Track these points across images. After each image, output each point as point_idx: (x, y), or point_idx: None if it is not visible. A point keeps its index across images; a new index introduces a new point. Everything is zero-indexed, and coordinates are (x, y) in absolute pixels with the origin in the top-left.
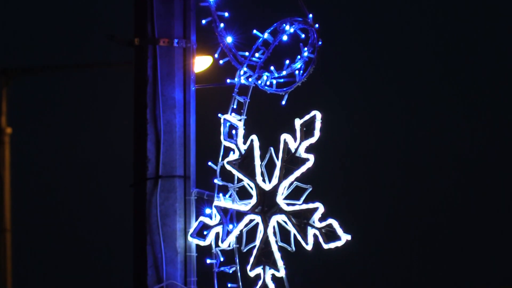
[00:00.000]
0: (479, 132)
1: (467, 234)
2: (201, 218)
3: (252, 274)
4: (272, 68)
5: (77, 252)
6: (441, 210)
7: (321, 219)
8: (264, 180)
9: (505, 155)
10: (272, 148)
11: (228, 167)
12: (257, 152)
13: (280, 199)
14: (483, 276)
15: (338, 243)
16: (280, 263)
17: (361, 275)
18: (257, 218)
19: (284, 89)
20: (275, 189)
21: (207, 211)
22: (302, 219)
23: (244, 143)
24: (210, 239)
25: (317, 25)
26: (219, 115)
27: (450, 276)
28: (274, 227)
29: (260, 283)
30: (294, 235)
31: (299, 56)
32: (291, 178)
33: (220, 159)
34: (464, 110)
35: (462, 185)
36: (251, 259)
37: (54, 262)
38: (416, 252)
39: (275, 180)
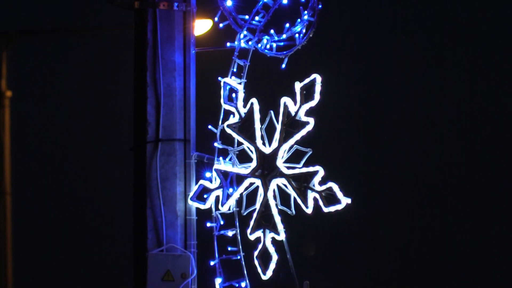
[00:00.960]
0: (480, 88)
1: (468, 196)
2: (201, 182)
3: (252, 237)
4: (272, 31)
5: (77, 217)
6: (442, 172)
7: (321, 183)
8: (264, 144)
9: None
10: (272, 112)
11: (228, 131)
12: (257, 116)
13: (280, 163)
14: (485, 243)
15: (338, 207)
16: (280, 226)
17: (361, 238)
18: (257, 182)
19: (284, 52)
20: (275, 152)
21: (207, 174)
22: (302, 183)
23: (244, 106)
24: (210, 202)
25: None
26: (219, 78)
27: (451, 238)
28: (274, 190)
29: (260, 246)
30: (294, 198)
31: (299, 20)
32: (291, 141)
33: (220, 122)
34: (465, 68)
35: (464, 145)
36: (251, 223)
37: (54, 224)
38: (417, 215)
39: (275, 144)
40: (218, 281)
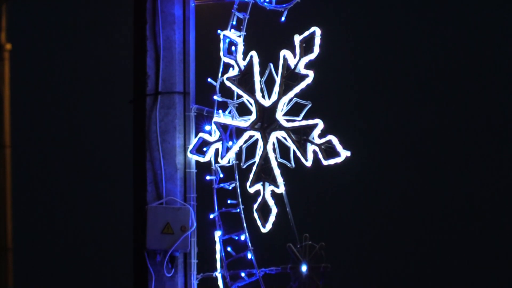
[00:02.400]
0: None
1: (473, 144)
2: (201, 134)
3: (251, 190)
4: None
5: (76, 168)
6: (444, 125)
7: (321, 136)
8: (263, 96)
9: None
10: (271, 65)
11: (228, 83)
12: (256, 68)
13: (279, 115)
14: (486, 209)
15: (338, 159)
16: (279, 179)
17: (361, 191)
18: (257, 134)
19: (284, 5)
20: (274, 105)
21: (207, 127)
22: (301, 135)
23: (244, 59)
24: (209, 155)
25: None
26: (219, 31)
27: (450, 194)
28: (273, 143)
29: (259, 199)
30: (294, 151)
31: None
32: (291, 94)
33: (219, 75)
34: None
35: (464, 99)
36: (251, 176)
37: (54, 177)
38: (417, 167)
39: (274, 96)
40: (217, 234)
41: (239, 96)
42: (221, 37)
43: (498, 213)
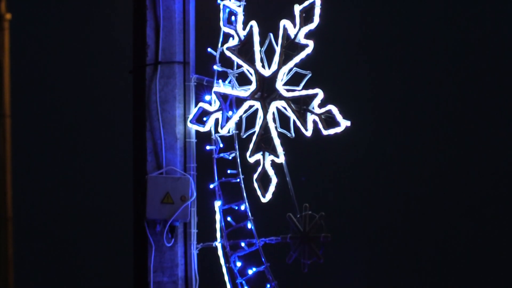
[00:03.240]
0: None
1: (476, 114)
2: (201, 104)
3: (251, 160)
4: None
5: (76, 138)
6: (445, 93)
7: (321, 105)
8: (263, 66)
9: None
10: (271, 34)
11: (228, 53)
12: (256, 38)
13: (279, 85)
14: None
15: (338, 129)
16: (279, 149)
17: (361, 161)
18: (257, 104)
19: None
20: (274, 75)
21: (207, 97)
22: (301, 105)
23: (244, 29)
24: (209, 125)
25: None
26: (219, 1)
27: (452, 157)
28: (273, 113)
29: (259, 169)
30: (294, 121)
31: None
32: (291, 64)
33: (219, 45)
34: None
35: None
36: (251, 145)
37: (53, 146)
38: (417, 136)
39: (274, 66)
40: (217, 203)
41: (239, 66)
42: (221, 7)
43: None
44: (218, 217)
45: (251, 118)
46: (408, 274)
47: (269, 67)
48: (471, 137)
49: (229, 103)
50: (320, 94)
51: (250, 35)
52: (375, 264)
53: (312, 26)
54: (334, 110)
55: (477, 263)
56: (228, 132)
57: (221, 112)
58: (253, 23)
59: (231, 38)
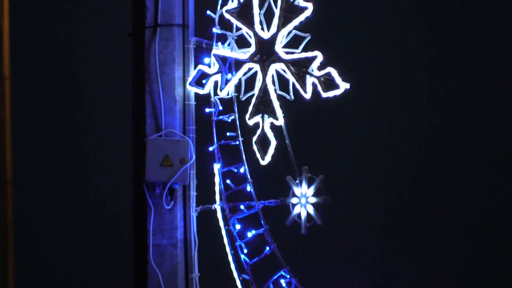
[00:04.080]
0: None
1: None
2: (200, 67)
3: (250, 122)
4: None
5: (75, 100)
6: (446, 49)
7: (320, 68)
8: (262, 29)
9: None
10: None
11: (227, 16)
12: (255, 1)
13: (278, 48)
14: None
15: (337, 92)
16: (279, 111)
17: (360, 123)
18: (256, 67)
19: None
20: (273, 37)
21: (206, 59)
22: (300, 68)
23: None
24: (208, 87)
25: None
26: None
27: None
28: (272, 75)
29: (259, 131)
30: (293, 83)
31: None
32: (290, 26)
33: (218, 7)
34: None
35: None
36: (250, 108)
37: (53, 108)
38: (417, 98)
39: (273, 29)
40: (216, 166)
41: (238, 29)
42: None
43: None
44: (217, 179)
45: (250, 81)
46: (410, 237)
47: (268, 29)
48: (475, 98)
49: (228, 65)
50: (319, 57)
51: None
52: (374, 226)
53: None
54: (333, 72)
55: (478, 262)
56: (227, 94)
57: (220, 74)
58: None
59: (230, 1)
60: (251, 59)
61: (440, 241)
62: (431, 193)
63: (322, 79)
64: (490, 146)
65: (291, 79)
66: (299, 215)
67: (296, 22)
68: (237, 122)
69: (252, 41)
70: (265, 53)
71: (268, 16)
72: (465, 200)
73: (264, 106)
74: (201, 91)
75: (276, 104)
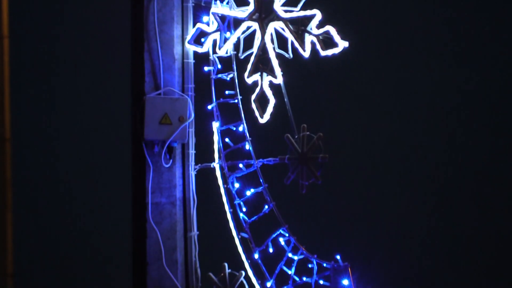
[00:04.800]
0: None
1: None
2: (199, 25)
3: (249, 81)
4: None
5: (72, 56)
6: (449, 10)
7: (319, 26)
8: None
9: None
10: None
11: None
12: None
13: (277, 6)
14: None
15: (335, 50)
16: (277, 70)
17: (359, 80)
18: (255, 25)
19: None
20: None
21: (205, 18)
22: (299, 26)
23: None
24: (207, 46)
25: None
26: None
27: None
28: (271, 34)
29: (257, 90)
30: (292, 42)
31: None
32: None
33: None
34: None
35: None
36: (249, 66)
37: (51, 64)
38: (418, 57)
39: None
40: (215, 124)
41: None
42: None
43: None
44: (216, 138)
45: (249, 39)
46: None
47: None
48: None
49: (227, 24)
50: (318, 15)
51: None
52: (372, 184)
53: None
54: (332, 31)
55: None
56: (226, 53)
57: (219, 33)
58: None
59: None
60: (250, 17)
61: (440, 195)
62: (433, 148)
63: (320, 37)
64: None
65: (290, 37)
66: (298, 173)
67: None
68: (236, 81)
69: None
70: (264, 11)
71: None
72: (468, 157)
73: (263, 65)
74: (199, 50)
75: (275, 62)
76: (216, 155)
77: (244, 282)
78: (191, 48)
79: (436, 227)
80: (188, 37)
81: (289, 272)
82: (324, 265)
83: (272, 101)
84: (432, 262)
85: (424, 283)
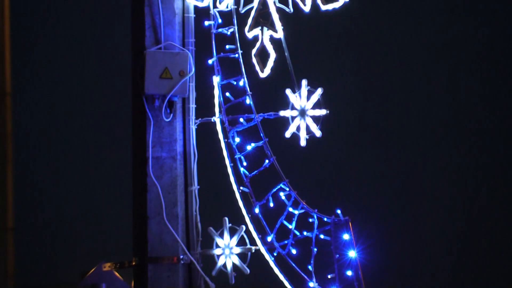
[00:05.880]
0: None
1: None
2: None
3: (250, 35)
4: None
5: (73, 9)
6: None
7: None
8: None
9: None
10: None
11: None
12: None
13: None
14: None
15: (336, 4)
16: (278, 24)
17: (358, 37)
18: None
19: None
20: None
21: None
22: None
23: None
24: (208, 0)
25: None
26: None
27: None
28: None
29: (258, 44)
30: None
31: None
32: None
33: None
34: None
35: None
36: (249, 21)
37: (51, 20)
38: (416, 21)
39: None
40: (216, 79)
41: None
42: None
43: None
44: (216, 92)
45: None
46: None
47: None
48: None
49: None
50: None
51: None
52: (372, 138)
53: None
54: None
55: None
56: (227, 7)
57: None
58: None
59: None
60: None
61: (440, 159)
62: (426, 101)
63: None
64: None
65: None
66: (298, 127)
67: None
68: (237, 35)
69: None
70: None
71: None
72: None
73: (263, 19)
74: (200, 4)
75: (275, 16)
76: (216, 109)
77: (245, 236)
78: (191, 2)
79: (436, 185)
80: None
81: (290, 226)
82: (325, 219)
83: (272, 55)
84: (432, 219)
85: (424, 236)
